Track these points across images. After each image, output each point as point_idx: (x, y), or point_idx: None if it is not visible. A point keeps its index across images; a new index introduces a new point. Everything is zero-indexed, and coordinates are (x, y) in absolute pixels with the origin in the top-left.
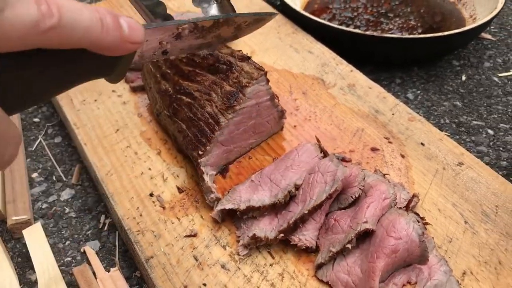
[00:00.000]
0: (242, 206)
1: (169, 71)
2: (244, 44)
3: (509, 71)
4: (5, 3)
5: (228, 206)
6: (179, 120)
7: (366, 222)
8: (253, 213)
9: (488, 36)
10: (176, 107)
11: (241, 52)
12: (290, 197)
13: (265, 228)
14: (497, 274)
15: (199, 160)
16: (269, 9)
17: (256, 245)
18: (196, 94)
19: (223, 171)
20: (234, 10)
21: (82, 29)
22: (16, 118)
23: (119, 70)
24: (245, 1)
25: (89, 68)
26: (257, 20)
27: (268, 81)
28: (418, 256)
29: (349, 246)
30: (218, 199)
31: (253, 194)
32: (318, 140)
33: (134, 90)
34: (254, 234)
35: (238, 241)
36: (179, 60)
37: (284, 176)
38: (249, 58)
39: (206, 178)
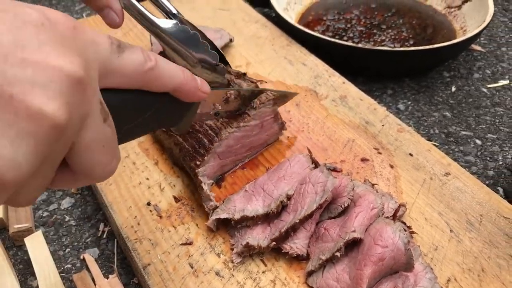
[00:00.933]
0: (237, 216)
1: None
2: (240, 56)
3: (498, 82)
4: (125, 47)
5: (223, 215)
6: (175, 134)
7: (354, 231)
8: (247, 222)
9: (478, 48)
10: None
11: (235, 69)
12: (282, 207)
13: (258, 236)
14: (480, 281)
15: (196, 170)
16: (264, 21)
17: (250, 253)
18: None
19: (218, 181)
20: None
21: (170, 74)
22: None
23: (186, 120)
24: (241, 14)
25: (168, 112)
26: (282, 96)
27: (274, 103)
28: (404, 263)
29: (338, 254)
30: (216, 207)
31: (247, 204)
32: (309, 151)
33: None
34: (248, 243)
35: (232, 249)
36: None
37: (276, 186)
38: (244, 74)
39: (205, 187)
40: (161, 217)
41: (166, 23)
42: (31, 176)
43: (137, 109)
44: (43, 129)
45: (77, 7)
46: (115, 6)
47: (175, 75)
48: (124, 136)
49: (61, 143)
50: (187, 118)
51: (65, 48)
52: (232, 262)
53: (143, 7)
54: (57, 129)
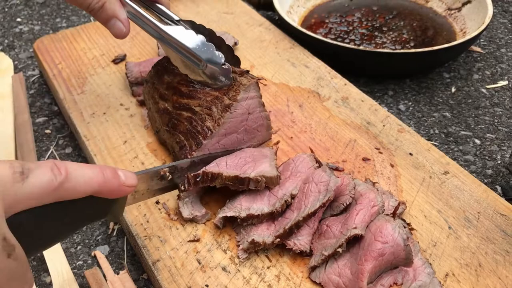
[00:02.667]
0: (243, 214)
1: (167, 92)
2: (244, 59)
3: (497, 83)
4: (30, 171)
5: (230, 213)
6: (178, 133)
7: (355, 228)
8: (253, 220)
9: (478, 49)
10: (175, 122)
11: (239, 68)
12: (287, 206)
13: (263, 233)
14: (477, 276)
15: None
16: (268, 24)
17: (255, 249)
18: (197, 109)
19: None
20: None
21: (85, 181)
22: (30, 136)
23: (116, 211)
24: (246, 18)
25: (92, 211)
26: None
27: (259, 88)
28: (403, 259)
29: (339, 250)
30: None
31: (253, 203)
32: (312, 151)
33: (141, 103)
34: (253, 239)
35: (238, 246)
36: (177, 82)
37: (281, 185)
38: (247, 72)
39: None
40: (169, 215)
41: (172, 29)
42: None
43: (56, 218)
44: None
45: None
46: (121, 16)
47: (92, 179)
48: (45, 243)
49: None
50: (116, 209)
51: None
52: (238, 258)
53: (149, 14)
54: None
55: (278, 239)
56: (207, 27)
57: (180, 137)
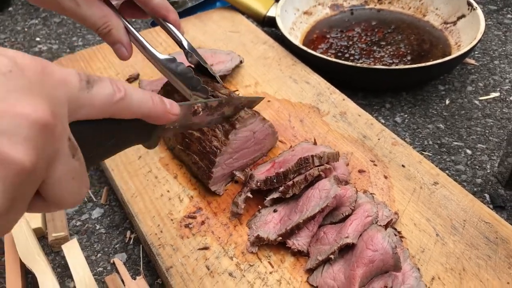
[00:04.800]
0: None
1: None
2: (249, 76)
3: (489, 95)
4: (94, 82)
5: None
6: (192, 153)
7: (347, 237)
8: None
9: (472, 61)
10: (188, 142)
11: (237, 91)
12: (292, 206)
13: (269, 230)
14: (461, 279)
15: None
16: (271, 42)
17: (260, 243)
18: (204, 130)
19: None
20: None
21: (139, 102)
22: None
23: (153, 139)
24: (251, 36)
25: (135, 134)
26: (250, 102)
27: (257, 115)
28: (392, 265)
29: (332, 256)
30: (239, 214)
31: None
32: (315, 141)
33: None
34: (259, 235)
35: (248, 240)
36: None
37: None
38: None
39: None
40: (181, 225)
41: (164, 57)
42: (3, 213)
43: (107, 135)
44: (11, 173)
45: None
46: (124, 42)
47: (144, 102)
48: (93, 159)
49: (30, 182)
50: (155, 135)
51: (32, 95)
52: (246, 252)
53: (147, 42)
54: (24, 172)
55: (280, 238)
56: (213, 46)
57: (195, 158)
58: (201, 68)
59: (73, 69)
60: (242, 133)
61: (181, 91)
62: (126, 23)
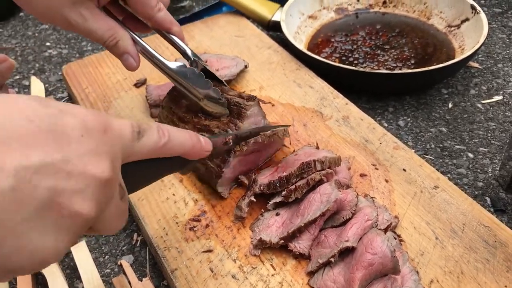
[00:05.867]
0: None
1: (186, 115)
2: (254, 81)
3: (492, 98)
4: (144, 131)
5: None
6: None
7: (347, 240)
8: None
9: (476, 65)
10: None
11: (245, 92)
12: (294, 210)
13: (271, 234)
14: (459, 282)
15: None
16: (276, 47)
17: (262, 246)
18: (216, 131)
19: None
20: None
21: (180, 143)
22: None
23: (188, 167)
24: (256, 41)
25: (178, 166)
26: (275, 132)
27: (259, 105)
28: (391, 268)
29: (332, 259)
30: (242, 218)
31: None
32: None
33: None
34: (261, 238)
35: (251, 243)
36: (195, 106)
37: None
38: (255, 97)
39: (223, 191)
40: (185, 228)
41: (175, 65)
42: (63, 253)
43: (148, 171)
44: (79, 223)
45: None
46: (132, 52)
47: (184, 143)
48: (133, 190)
49: (87, 226)
50: (189, 165)
51: (98, 155)
52: (249, 254)
53: (155, 51)
54: (88, 222)
55: (282, 241)
56: (220, 50)
57: (204, 159)
58: (207, 74)
59: (127, 121)
60: (252, 126)
61: (191, 96)
62: (133, 34)
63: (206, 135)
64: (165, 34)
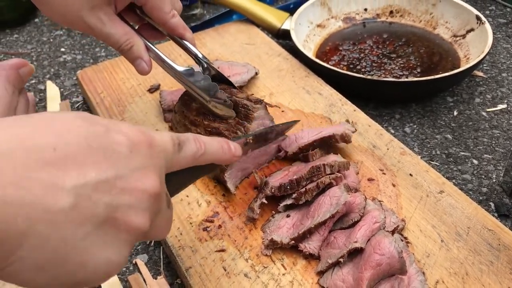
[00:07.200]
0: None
1: (197, 118)
2: (264, 87)
3: (497, 106)
4: (184, 143)
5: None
6: None
7: (356, 241)
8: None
9: (480, 74)
10: None
11: (253, 95)
12: (304, 212)
13: (282, 234)
14: (464, 283)
15: (224, 175)
16: (285, 54)
17: (273, 247)
18: (225, 133)
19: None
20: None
21: (214, 153)
22: None
23: (217, 170)
24: (266, 48)
25: (209, 170)
26: (288, 126)
27: (266, 108)
28: (398, 269)
29: (341, 260)
30: (254, 219)
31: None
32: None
33: (171, 129)
34: (272, 238)
35: (263, 243)
36: (204, 109)
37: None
38: (262, 101)
39: (231, 187)
40: (199, 228)
41: (183, 68)
42: (123, 265)
43: (186, 176)
44: (135, 235)
45: None
46: (145, 57)
47: (217, 152)
48: (173, 194)
49: (142, 237)
50: (218, 168)
51: (147, 170)
52: (260, 254)
53: (166, 56)
54: (143, 233)
55: (293, 241)
56: (230, 57)
57: None
58: (218, 78)
59: (167, 135)
60: (259, 127)
61: (200, 99)
62: (145, 40)
63: (231, 138)
64: (178, 40)
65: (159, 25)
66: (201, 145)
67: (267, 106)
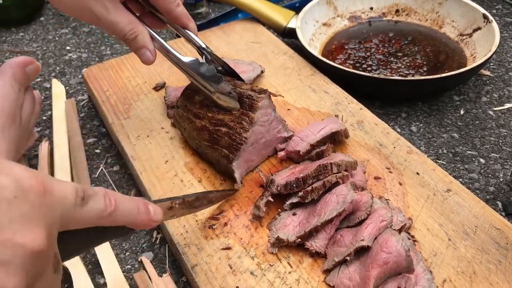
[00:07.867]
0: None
1: (201, 111)
2: (270, 85)
3: (503, 105)
4: (89, 197)
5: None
6: (221, 147)
7: (363, 240)
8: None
9: (487, 73)
10: (216, 137)
11: (258, 87)
12: (310, 210)
13: (288, 232)
14: (471, 282)
15: (231, 165)
16: (291, 53)
17: (279, 245)
18: (231, 124)
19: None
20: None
21: (127, 213)
22: (83, 156)
23: (131, 234)
24: (271, 47)
25: (120, 234)
26: (223, 195)
27: (270, 98)
28: (405, 267)
29: (348, 258)
30: (259, 217)
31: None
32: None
33: (175, 126)
34: (278, 236)
35: (269, 241)
36: (208, 101)
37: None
38: (266, 90)
39: (237, 176)
40: (205, 226)
41: (188, 59)
42: None
43: (87, 238)
44: None
45: None
46: (149, 47)
47: (131, 213)
48: (69, 256)
49: None
50: (132, 233)
51: (31, 222)
52: (266, 252)
53: (170, 46)
54: None
55: (299, 239)
56: (236, 56)
57: (225, 151)
58: (222, 71)
59: (71, 185)
60: (263, 117)
61: (204, 90)
62: (150, 30)
63: (154, 200)
64: (181, 29)
65: (163, 14)
66: (111, 202)
67: (270, 95)
